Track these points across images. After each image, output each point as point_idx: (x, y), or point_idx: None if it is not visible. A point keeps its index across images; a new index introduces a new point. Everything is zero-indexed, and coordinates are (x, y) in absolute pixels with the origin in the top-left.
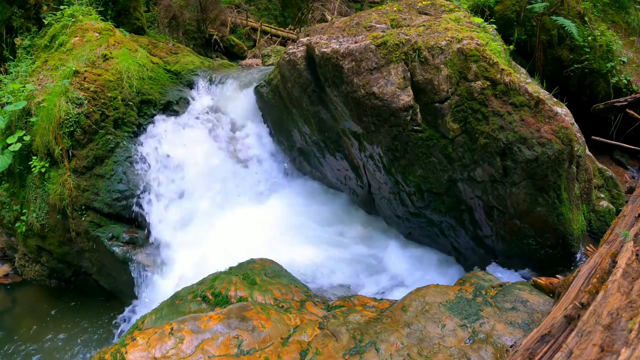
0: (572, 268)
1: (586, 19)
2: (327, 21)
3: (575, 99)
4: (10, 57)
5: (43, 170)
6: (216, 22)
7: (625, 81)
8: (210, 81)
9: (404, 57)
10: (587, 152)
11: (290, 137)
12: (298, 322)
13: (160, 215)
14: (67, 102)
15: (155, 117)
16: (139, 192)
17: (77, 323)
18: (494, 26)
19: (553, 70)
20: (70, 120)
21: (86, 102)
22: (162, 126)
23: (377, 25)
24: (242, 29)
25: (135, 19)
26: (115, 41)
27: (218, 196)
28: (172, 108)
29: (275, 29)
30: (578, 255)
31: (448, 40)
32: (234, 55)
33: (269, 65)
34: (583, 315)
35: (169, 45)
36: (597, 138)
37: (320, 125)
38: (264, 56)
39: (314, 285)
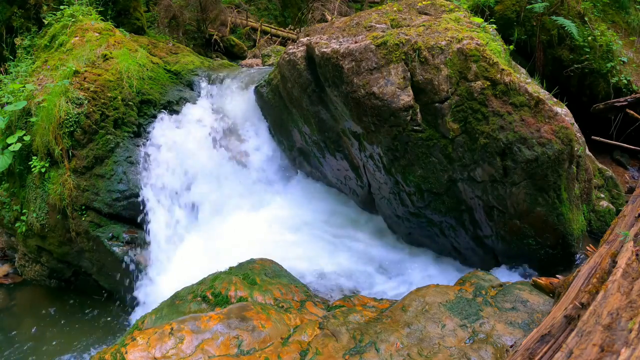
0: (572, 268)
1: (586, 19)
2: (327, 21)
3: (575, 99)
4: (10, 57)
5: (43, 170)
6: (216, 22)
7: (625, 81)
8: (210, 81)
9: (404, 57)
10: (587, 152)
11: (290, 137)
12: (298, 322)
13: (160, 215)
14: (67, 102)
15: (155, 117)
16: (138, 192)
17: (77, 323)
18: (494, 26)
19: (553, 70)
20: (70, 120)
21: (86, 102)
22: (162, 126)
23: (377, 25)
24: (242, 29)
25: (135, 19)
26: (115, 41)
27: (218, 196)
28: (172, 108)
29: (275, 29)
30: (578, 255)
31: (448, 40)
32: (234, 55)
33: (269, 65)
34: (583, 315)
35: (169, 45)
36: (597, 138)
37: (320, 125)
38: (264, 56)
39: (314, 285)
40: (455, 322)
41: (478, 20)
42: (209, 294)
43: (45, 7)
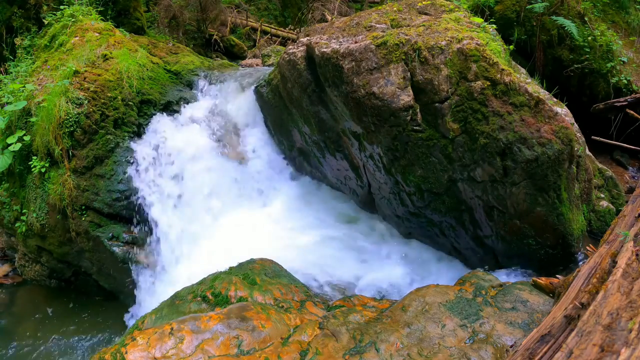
0: (572, 268)
1: (586, 19)
2: (327, 21)
3: (575, 99)
4: (10, 57)
5: (43, 170)
6: (216, 22)
7: (625, 81)
8: (210, 81)
9: (404, 57)
10: (587, 152)
11: (290, 137)
12: (298, 322)
13: (159, 215)
14: (67, 102)
15: (156, 117)
16: (138, 191)
17: (77, 323)
18: (494, 26)
19: (553, 70)
20: (70, 120)
21: (86, 102)
22: (162, 126)
23: (377, 25)
24: (242, 29)
25: (135, 19)
26: (115, 41)
27: (218, 196)
28: (172, 108)
29: (275, 29)
30: (578, 255)
31: (448, 40)
32: (234, 55)
33: (269, 65)
34: (583, 315)
35: (169, 45)
36: (597, 138)
37: (320, 125)
38: (264, 56)
39: (313, 284)
40: (455, 322)
41: (478, 20)
42: (209, 294)
43: (45, 7)
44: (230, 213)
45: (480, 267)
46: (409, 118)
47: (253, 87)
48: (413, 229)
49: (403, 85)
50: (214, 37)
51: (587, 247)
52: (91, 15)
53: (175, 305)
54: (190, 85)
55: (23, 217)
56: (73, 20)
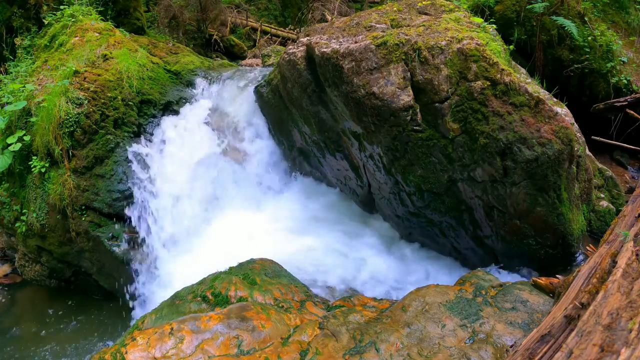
0: (572, 268)
1: (586, 19)
2: (327, 21)
3: (575, 99)
4: (10, 57)
5: (43, 170)
6: (216, 22)
7: (625, 81)
8: (210, 81)
9: (404, 57)
10: (587, 152)
11: (290, 137)
12: (298, 322)
13: (159, 215)
14: (67, 102)
15: (155, 117)
16: (138, 192)
17: (77, 323)
18: (494, 26)
19: (553, 70)
20: (70, 120)
21: (86, 102)
22: (162, 126)
23: (377, 25)
24: (242, 29)
25: (135, 19)
26: (115, 41)
27: (217, 196)
28: (172, 108)
29: (275, 29)
30: (578, 255)
31: (448, 40)
32: (234, 55)
33: (269, 65)
34: (583, 315)
35: (169, 45)
36: (597, 138)
37: (320, 125)
38: (264, 56)
39: (314, 284)
40: (455, 322)
41: (478, 20)
42: (209, 294)
43: (45, 7)
44: (229, 213)
45: (481, 267)
46: (409, 118)
47: (253, 87)
48: (413, 229)
49: (403, 85)
50: (214, 37)
51: (587, 247)
52: (91, 15)
53: (175, 305)
54: (190, 85)
55: (23, 217)
56: (73, 20)
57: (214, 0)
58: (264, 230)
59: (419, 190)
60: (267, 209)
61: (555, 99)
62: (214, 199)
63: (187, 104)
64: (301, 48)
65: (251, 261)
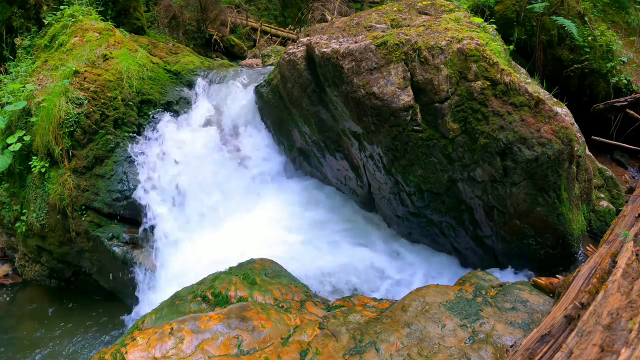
0: (572, 268)
1: (586, 19)
2: (327, 21)
3: (575, 99)
4: (10, 57)
5: (43, 170)
6: (216, 22)
7: (625, 81)
8: (210, 81)
9: (404, 57)
10: (587, 152)
11: (290, 137)
12: (298, 322)
13: (159, 215)
14: (67, 102)
15: (155, 117)
16: (138, 192)
17: (77, 323)
18: (494, 26)
19: (553, 70)
20: (70, 120)
21: (86, 102)
22: (162, 126)
23: (377, 25)
24: (242, 29)
25: (135, 19)
26: (115, 41)
27: (217, 196)
28: (172, 108)
29: (275, 29)
30: (578, 255)
31: (448, 40)
32: (234, 55)
33: (269, 65)
34: (583, 315)
35: (169, 45)
36: (597, 138)
37: (320, 125)
38: (264, 56)
39: (313, 284)
40: (455, 322)
41: (478, 20)
42: (209, 294)
43: (45, 7)
44: (229, 213)
45: (480, 267)
46: (409, 118)
47: (253, 87)
48: (413, 229)
49: (403, 85)
50: (214, 37)
51: (587, 247)
52: (91, 15)
53: (175, 305)
54: (190, 85)
55: (23, 217)
56: (73, 20)
57: (214, 0)
58: (264, 230)
59: (419, 190)
60: (267, 208)
61: (555, 99)
62: (213, 198)
63: (187, 104)
64: (301, 48)
65: (251, 261)
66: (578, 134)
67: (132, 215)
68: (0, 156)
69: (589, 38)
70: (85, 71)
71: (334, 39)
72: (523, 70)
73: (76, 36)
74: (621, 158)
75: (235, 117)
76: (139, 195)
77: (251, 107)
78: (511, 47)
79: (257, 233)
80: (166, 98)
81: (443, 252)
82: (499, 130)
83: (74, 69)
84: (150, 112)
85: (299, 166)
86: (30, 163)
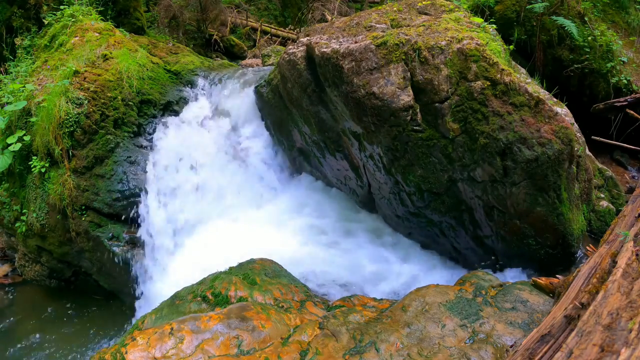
0: (572, 268)
1: (586, 19)
2: (327, 21)
3: (575, 99)
4: (10, 57)
5: (43, 170)
6: (216, 22)
7: (625, 81)
8: (210, 81)
9: (404, 57)
10: (587, 152)
11: (290, 137)
12: (298, 322)
13: (159, 216)
14: (67, 102)
15: (155, 117)
16: (138, 192)
17: (77, 323)
18: (494, 26)
19: (553, 70)
20: (70, 120)
21: (86, 102)
22: (162, 126)
23: (377, 25)
24: (242, 29)
25: (135, 19)
26: (115, 41)
27: (217, 196)
28: (172, 108)
29: (275, 29)
30: (578, 255)
31: (448, 40)
32: (234, 55)
33: (269, 65)
34: (583, 315)
35: (169, 45)
36: (597, 138)
37: (320, 125)
38: (264, 56)
39: (313, 285)
40: (455, 322)
41: (478, 20)
42: (209, 294)
43: (45, 7)
44: (229, 213)
45: (480, 267)
46: (409, 118)
47: (253, 87)
48: (413, 229)
49: (403, 85)
50: (214, 37)
51: (587, 247)
52: (91, 15)
53: (175, 305)
54: (190, 85)
55: (23, 217)
56: (73, 20)
57: (214, 0)
58: (264, 230)
59: (419, 190)
60: (267, 208)
61: (555, 99)
62: (214, 198)
63: (187, 104)
64: (301, 48)
65: (251, 261)
66: (578, 134)
67: (132, 215)
68: (0, 156)
69: (589, 38)
70: (85, 71)
71: (334, 39)
72: (523, 70)
73: (76, 36)
74: (621, 158)
75: (235, 117)
76: (139, 195)
77: (251, 107)
78: (511, 47)
79: (256, 233)
80: (166, 98)
81: (443, 252)
82: (499, 130)
83: (74, 69)
84: (150, 112)
85: (299, 166)
86: (30, 163)
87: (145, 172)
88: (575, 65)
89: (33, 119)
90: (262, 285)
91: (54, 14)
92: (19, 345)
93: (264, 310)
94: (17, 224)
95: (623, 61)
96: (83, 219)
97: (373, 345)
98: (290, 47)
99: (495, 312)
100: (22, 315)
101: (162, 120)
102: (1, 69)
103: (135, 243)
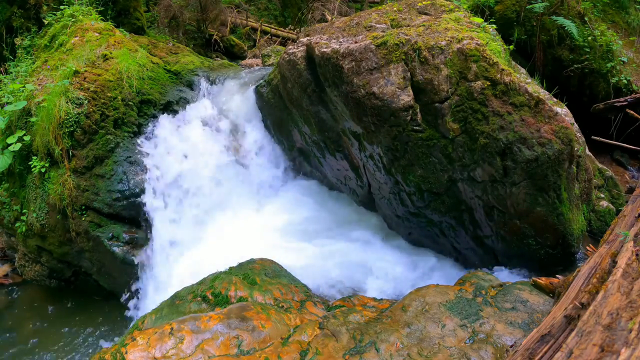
0: (572, 268)
1: (586, 19)
2: (327, 21)
3: (575, 99)
4: (10, 57)
5: (43, 170)
6: (216, 22)
7: (625, 81)
8: (210, 81)
9: (404, 57)
10: (587, 152)
11: (290, 137)
12: (298, 322)
13: (159, 216)
14: (67, 102)
15: (156, 117)
16: (138, 192)
17: (77, 323)
18: (494, 26)
19: (553, 70)
20: (70, 120)
21: (86, 102)
22: (162, 126)
23: (377, 25)
24: (242, 29)
25: (135, 19)
26: (115, 41)
27: (218, 196)
28: (172, 108)
29: (275, 29)
30: (578, 255)
31: (448, 40)
32: (234, 55)
33: (269, 65)
34: (583, 315)
35: (169, 45)
36: (597, 138)
37: (320, 125)
38: (264, 56)
39: (314, 285)
40: (455, 322)
41: (478, 20)
42: (209, 294)
43: (45, 7)
44: (229, 213)
45: (480, 267)
46: (409, 118)
47: (253, 87)
48: (413, 229)
49: (403, 85)
50: (214, 37)
51: (587, 247)
52: (91, 15)
53: (175, 305)
54: (190, 85)
55: (23, 217)
56: (73, 20)
57: (214, 0)
58: (264, 230)
59: (419, 190)
60: (267, 208)
61: (555, 99)
62: (214, 198)
63: (187, 104)
64: (301, 48)
65: (251, 261)
66: (578, 134)
67: (132, 215)
68: (0, 156)
69: (589, 38)
70: (85, 71)
71: (334, 39)
72: (523, 70)
73: (76, 36)
74: (621, 158)
75: (235, 117)
76: (139, 195)
77: (251, 107)
78: (511, 47)
79: (256, 233)
80: (166, 98)
81: (443, 252)
82: (499, 130)
83: (74, 69)
84: (150, 112)
85: (299, 166)
86: (30, 163)
87: (145, 172)
88: (575, 65)
89: (33, 119)
90: (262, 285)
91: (54, 14)
92: (18, 346)
93: (264, 310)
94: (17, 224)
95: (623, 61)
96: (83, 219)
97: (373, 345)
98: (290, 47)
99: (495, 312)
100: (22, 315)
101: (162, 120)
102: (1, 69)
103: (136, 243)
